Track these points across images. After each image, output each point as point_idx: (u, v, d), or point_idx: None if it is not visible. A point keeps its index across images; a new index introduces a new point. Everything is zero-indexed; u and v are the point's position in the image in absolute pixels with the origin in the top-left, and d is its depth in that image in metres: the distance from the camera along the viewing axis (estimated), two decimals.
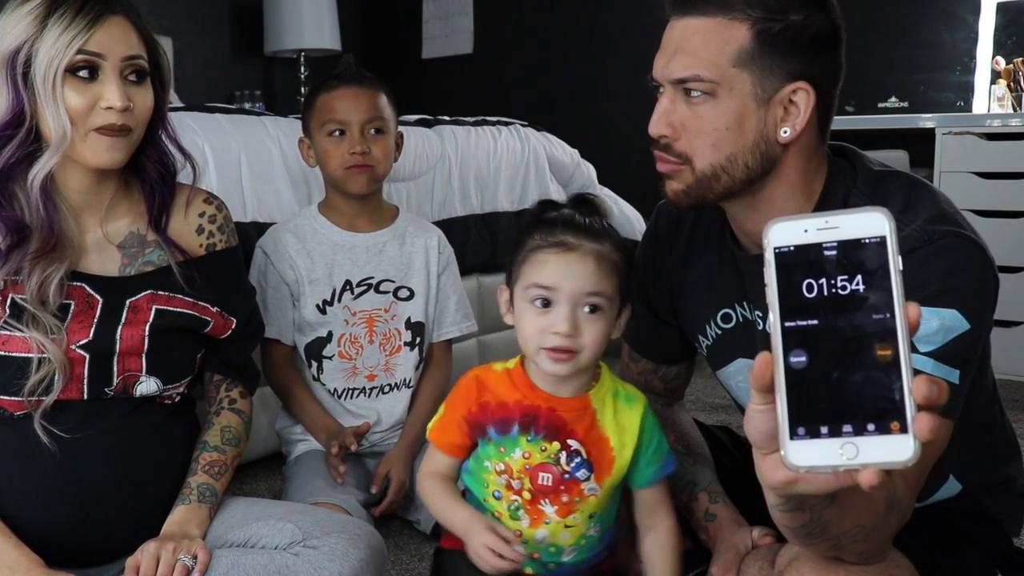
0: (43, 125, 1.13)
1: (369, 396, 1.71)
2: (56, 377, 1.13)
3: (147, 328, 1.19)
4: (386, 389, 1.71)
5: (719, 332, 1.25)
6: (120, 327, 1.18)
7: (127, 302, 1.20)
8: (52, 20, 1.10)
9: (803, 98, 1.04)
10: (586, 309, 1.10)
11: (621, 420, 1.17)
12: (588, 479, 1.15)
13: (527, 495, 1.14)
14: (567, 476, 1.14)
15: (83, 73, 1.12)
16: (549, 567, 1.18)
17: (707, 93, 1.04)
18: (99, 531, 1.18)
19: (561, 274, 1.09)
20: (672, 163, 1.09)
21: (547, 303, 1.10)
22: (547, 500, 1.15)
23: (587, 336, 1.10)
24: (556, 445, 1.14)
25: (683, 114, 1.06)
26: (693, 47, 1.04)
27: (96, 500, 1.17)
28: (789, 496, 0.70)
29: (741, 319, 1.22)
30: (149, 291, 1.22)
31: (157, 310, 1.21)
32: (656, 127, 1.08)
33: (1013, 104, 3.14)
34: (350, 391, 1.70)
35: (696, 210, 1.18)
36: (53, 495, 1.15)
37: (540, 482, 1.14)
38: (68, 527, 1.16)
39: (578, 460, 1.14)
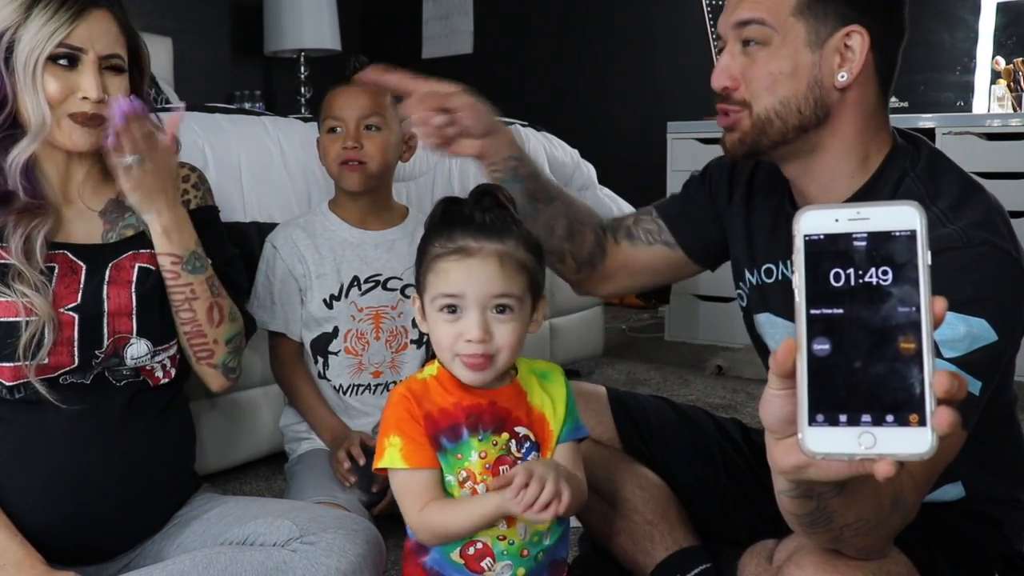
0: (22, 109, 1.14)
1: (374, 393, 1.71)
2: (45, 332, 1.13)
3: (132, 287, 1.21)
4: (391, 386, 1.71)
5: (759, 283, 1.28)
6: (106, 286, 1.19)
7: (109, 265, 1.21)
8: (37, 9, 1.13)
9: (857, 41, 1.08)
10: (495, 311, 1.08)
11: (550, 392, 1.18)
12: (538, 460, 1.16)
13: None
14: (522, 463, 1.14)
15: (63, 61, 1.14)
16: (539, 559, 1.19)
17: (762, 42, 1.10)
18: (98, 529, 1.18)
19: (464, 281, 1.07)
20: (732, 112, 1.14)
21: (454, 310, 1.08)
22: None
23: (500, 338, 1.08)
24: (505, 436, 1.14)
25: (741, 63, 1.12)
26: None
27: (95, 497, 1.17)
28: (799, 482, 0.71)
29: (781, 276, 1.24)
30: (131, 252, 1.23)
31: (140, 268, 1.22)
32: (718, 79, 1.14)
33: (1013, 104, 3.14)
34: (355, 387, 1.70)
35: (752, 159, 1.21)
36: (52, 493, 1.15)
37: None
38: (67, 525, 1.16)
39: (528, 444, 1.15)
